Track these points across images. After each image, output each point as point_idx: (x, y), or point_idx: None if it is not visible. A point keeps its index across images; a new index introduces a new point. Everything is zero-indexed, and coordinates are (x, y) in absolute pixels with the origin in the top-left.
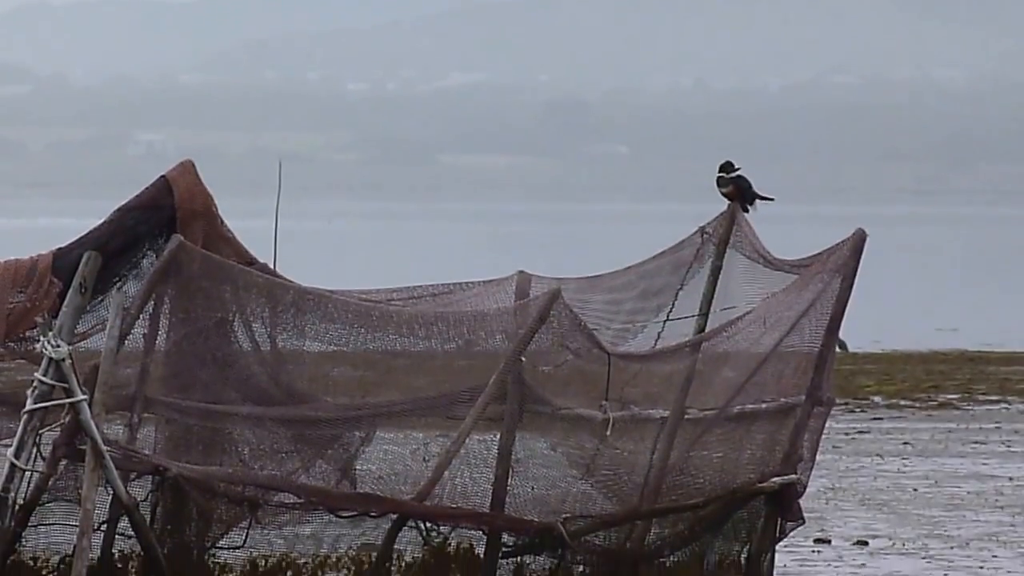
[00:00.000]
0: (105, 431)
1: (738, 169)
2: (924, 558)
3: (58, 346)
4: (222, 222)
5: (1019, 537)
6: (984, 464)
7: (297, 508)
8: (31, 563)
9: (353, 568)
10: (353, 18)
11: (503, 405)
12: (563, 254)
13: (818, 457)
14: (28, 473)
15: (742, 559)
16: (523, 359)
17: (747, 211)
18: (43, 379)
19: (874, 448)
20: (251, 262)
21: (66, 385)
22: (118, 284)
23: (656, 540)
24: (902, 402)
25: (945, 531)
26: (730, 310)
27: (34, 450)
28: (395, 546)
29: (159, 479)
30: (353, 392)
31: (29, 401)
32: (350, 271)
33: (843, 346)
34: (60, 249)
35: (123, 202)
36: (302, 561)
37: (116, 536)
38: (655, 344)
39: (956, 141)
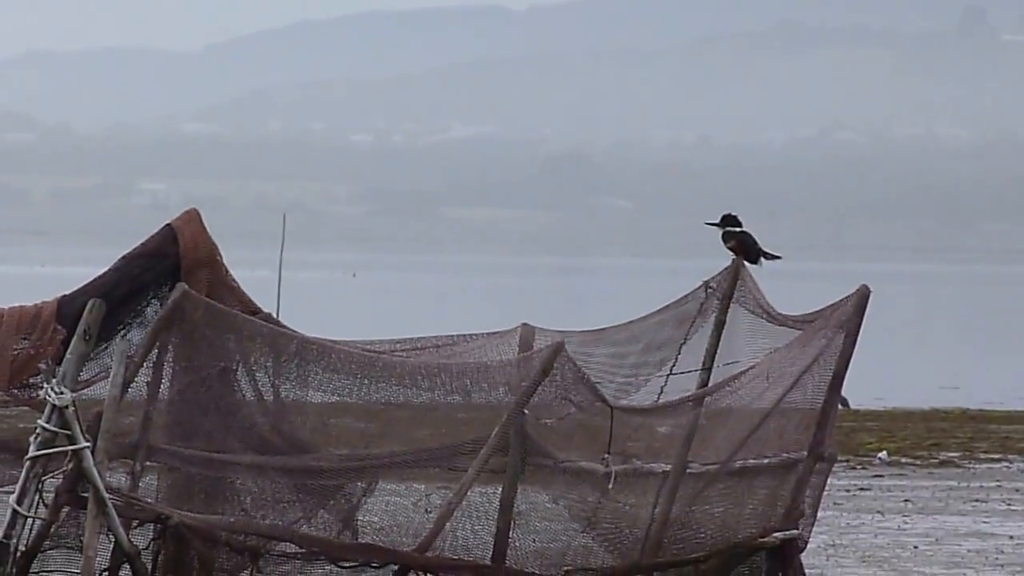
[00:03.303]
0: (108, 479)
1: (741, 225)
2: None
3: (61, 393)
4: (227, 271)
5: None
6: (985, 522)
7: (299, 558)
8: None
9: None
10: (358, 70)
11: (505, 457)
12: (567, 307)
13: (819, 513)
14: (30, 520)
15: None
16: (526, 411)
17: (757, 263)
18: (46, 426)
19: (875, 505)
20: (255, 312)
21: (69, 432)
22: (122, 332)
23: None
24: (903, 459)
25: None
26: (733, 365)
27: (36, 497)
28: None
29: (161, 527)
30: (356, 443)
31: (32, 448)
32: (353, 322)
33: (845, 403)
34: (64, 296)
35: (127, 250)
36: None
37: None
38: (658, 398)
39: (959, 199)
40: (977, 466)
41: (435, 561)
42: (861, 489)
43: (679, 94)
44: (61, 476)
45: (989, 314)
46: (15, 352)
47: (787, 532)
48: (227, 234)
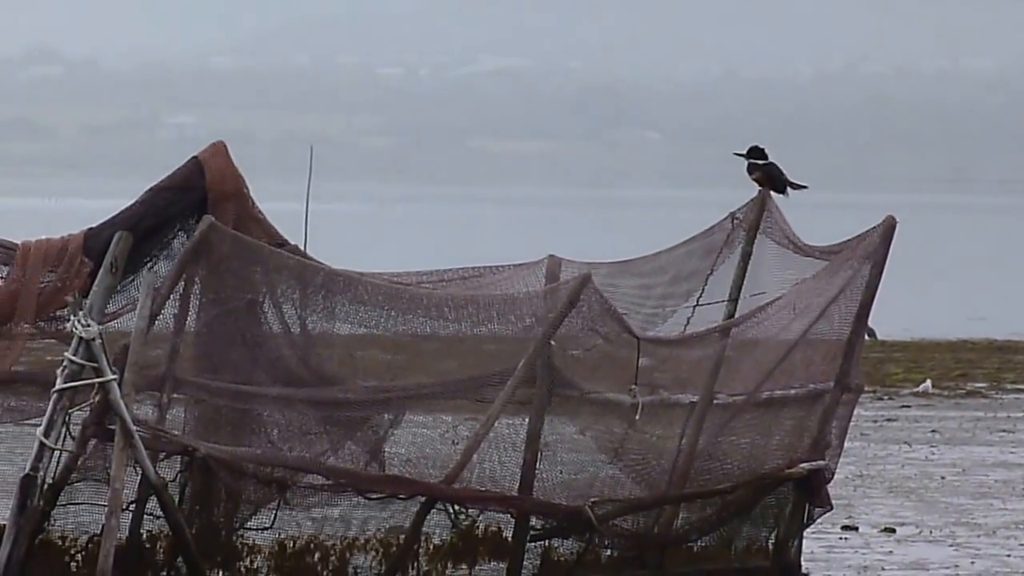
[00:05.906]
0: (134, 411)
1: (767, 157)
2: (951, 546)
3: (88, 325)
4: (253, 203)
5: None
6: (1012, 452)
7: (326, 490)
8: (60, 542)
9: (381, 550)
10: (386, 2)
11: (532, 389)
12: (593, 239)
13: (846, 444)
14: (57, 452)
15: (770, 544)
16: (553, 343)
17: (784, 194)
18: (73, 359)
19: (902, 436)
20: (282, 244)
21: (96, 365)
22: (149, 264)
23: (684, 525)
24: (931, 390)
25: (972, 519)
26: (760, 296)
27: (63, 430)
28: (423, 529)
29: (188, 459)
30: (382, 374)
31: (59, 380)
32: (380, 254)
33: (872, 334)
34: (91, 229)
35: (154, 183)
36: (330, 543)
37: (144, 516)
38: (684, 329)
39: (986, 130)
40: (1004, 397)
41: (462, 492)
42: (888, 420)
43: (706, 27)
44: (88, 409)
45: (1017, 245)
46: (42, 285)
47: (814, 463)
48: (254, 167)
